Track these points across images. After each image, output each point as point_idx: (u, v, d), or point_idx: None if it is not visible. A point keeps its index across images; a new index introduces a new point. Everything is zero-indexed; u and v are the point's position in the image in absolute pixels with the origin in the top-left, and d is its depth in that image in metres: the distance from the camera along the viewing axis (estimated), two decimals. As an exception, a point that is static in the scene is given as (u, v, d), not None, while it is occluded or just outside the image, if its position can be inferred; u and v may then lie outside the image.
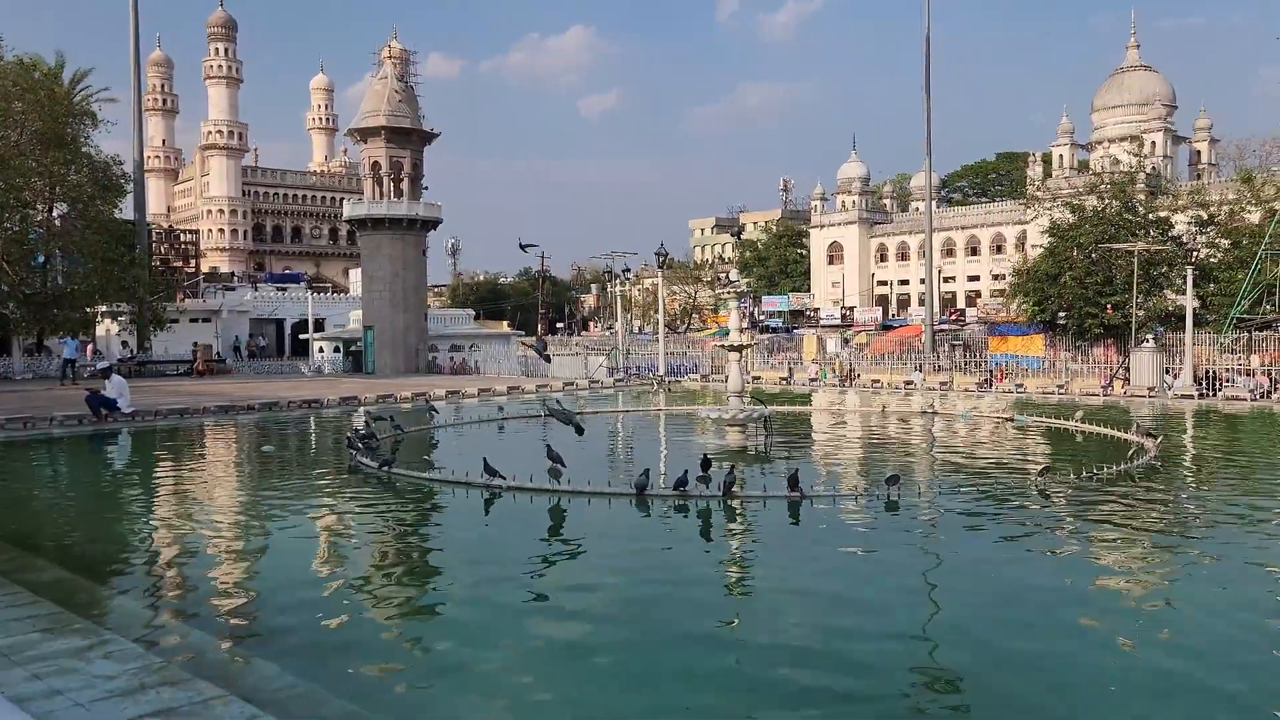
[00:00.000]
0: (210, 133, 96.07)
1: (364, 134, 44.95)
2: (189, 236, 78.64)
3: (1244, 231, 47.17)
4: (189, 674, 6.04)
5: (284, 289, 62.98)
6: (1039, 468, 14.61)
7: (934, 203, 66.08)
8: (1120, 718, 6.19)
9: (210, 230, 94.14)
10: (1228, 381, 30.33)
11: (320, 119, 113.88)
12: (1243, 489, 14.68)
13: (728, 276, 23.39)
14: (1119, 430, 19.93)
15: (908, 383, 35.55)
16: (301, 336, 54.16)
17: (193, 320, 53.68)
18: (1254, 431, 23.09)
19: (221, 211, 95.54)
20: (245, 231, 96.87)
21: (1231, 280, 43.56)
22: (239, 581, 9.64)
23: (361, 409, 27.02)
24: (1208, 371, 31.29)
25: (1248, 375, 30.99)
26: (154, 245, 59.21)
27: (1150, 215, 49.54)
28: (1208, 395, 28.96)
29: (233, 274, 78.70)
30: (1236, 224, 49.09)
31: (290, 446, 21.72)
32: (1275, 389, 28.61)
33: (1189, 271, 34.55)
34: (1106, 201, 50.01)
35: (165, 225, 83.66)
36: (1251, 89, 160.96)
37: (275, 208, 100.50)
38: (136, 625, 7.60)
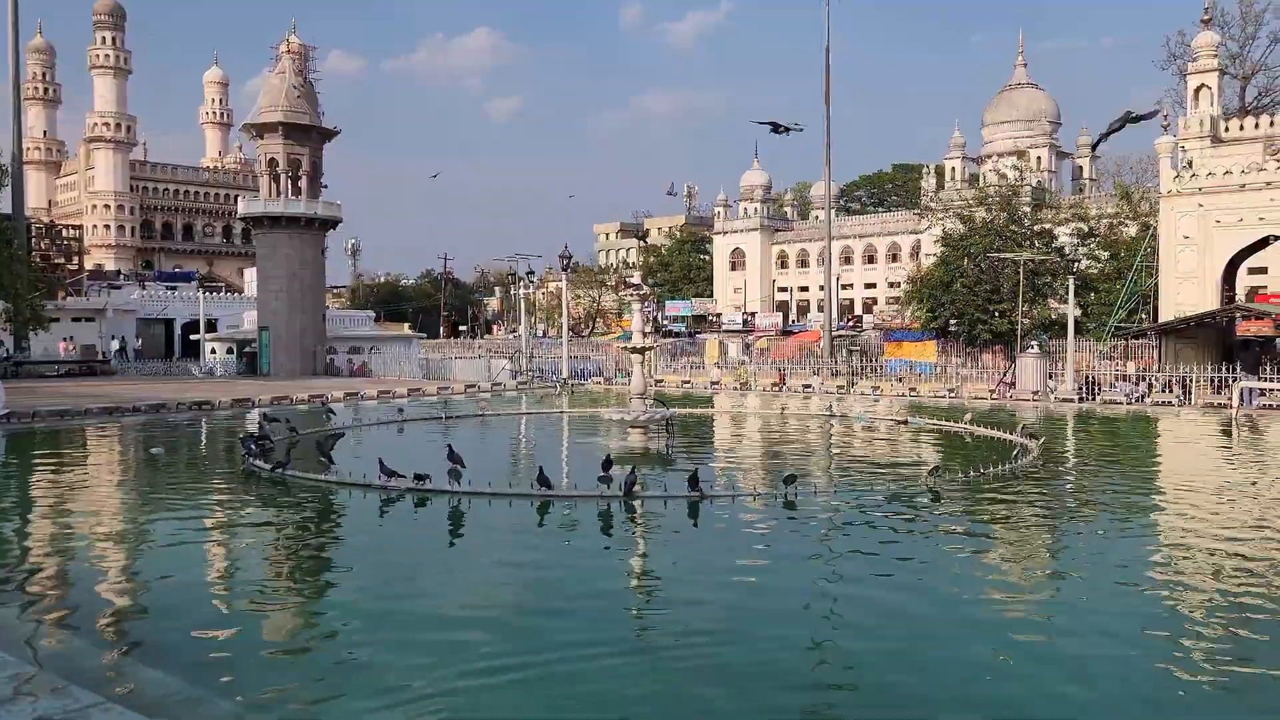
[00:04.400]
0: (96, 124, 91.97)
1: (260, 130, 43.73)
2: (71, 232, 75.27)
3: (1122, 244, 49.52)
4: (65, 681, 5.81)
5: (174, 288, 60.68)
6: (930, 467, 15.10)
7: (833, 211, 67.57)
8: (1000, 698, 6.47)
9: (95, 226, 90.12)
10: (1109, 386, 31.82)
11: (214, 113, 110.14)
12: (1112, 483, 15.43)
13: (631, 280, 23.53)
14: (1004, 432, 20.72)
15: (806, 386, 36.29)
16: (193, 337, 52.32)
17: (75, 319, 51.32)
18: (1126, 432, 24.28)
19: (107, 207, 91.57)
20: (133, 228, 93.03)
21: (1110, 290, 45.64)
22: (123, 588, 9.31)
23: (256, 410, 26.31)
24: (1088, 377, 32.78)
25: (1125, 380, 32.55)
26: (33, 241, 56.51)
27: (1035, 227, 51.57)
28: (1087, 399, 30.33)
29: (119, 272, 75.33)
30: (1115, 237, 51.50)
31: (180, 449, 21.01)
32: (1150, 393, 30.10)
33: (1071, 282, 36.14)
34: (994, 213, 51.88)
35: (46, 220, 79.89)
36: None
37: (165, 204, 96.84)
38: (11, 633, 7.29)
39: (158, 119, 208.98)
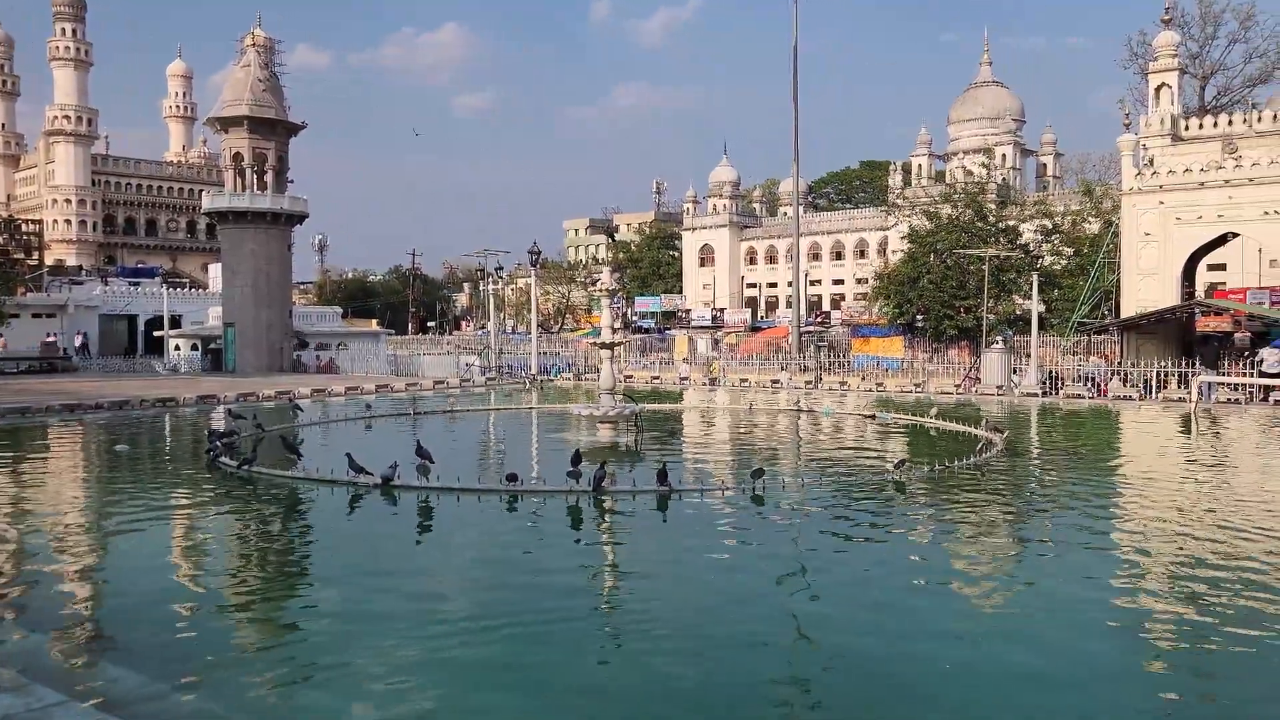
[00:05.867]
0: (56, 117, 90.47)
1: (225, 123, 43.23)
2: (31, 227, 74.08)
3: (1084, 240, 50.18)
4: (26, 679, 5.76)
5: (137, 284, 59.77)
6: (895, 461, 15.26)
7: (801, 208, 67.92)
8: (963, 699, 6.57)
9: (56, 221, 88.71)
10: (1072, 381, 32.25)
11: (178, 107, 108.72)
12: (1074, 475, 15.68)
13: (600, 276, 23.52)
14: (969, 426, 20.97)
15: (774, 382, 36.49)
16: (156, 334, 51.62)
17: (35, 316, 50.49)
18: (1088, 426, 24.62)
19: (68, 201, 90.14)
20: (95, 223, 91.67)
21: (1073, 286, 46.25)
22: (87, 584, 9.21)
23: (221, 406, 26.08)
24: (1051, 372, 33.21)
25: (1095, 376, 32.97)
26: (-9, 235, 55.51)
27: (1000, 224, 52.15)
28: (1051, 394, 30.73)
29: (80, 268, 74.21)
30: (1078, 233, 52.17)
31: (145, 446, 20.77)
32: (1111, 385, 30.54)
33: (1035, 278, 36.60)
34: (960, 210, 52.38)
35: (5, 214, 78.49)
36: (1090, 107, 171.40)
37: (128, 198, 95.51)
38: (-30, 631, 7.20)
39: (120, 112, 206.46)
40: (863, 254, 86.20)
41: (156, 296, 54.31)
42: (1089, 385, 30.98)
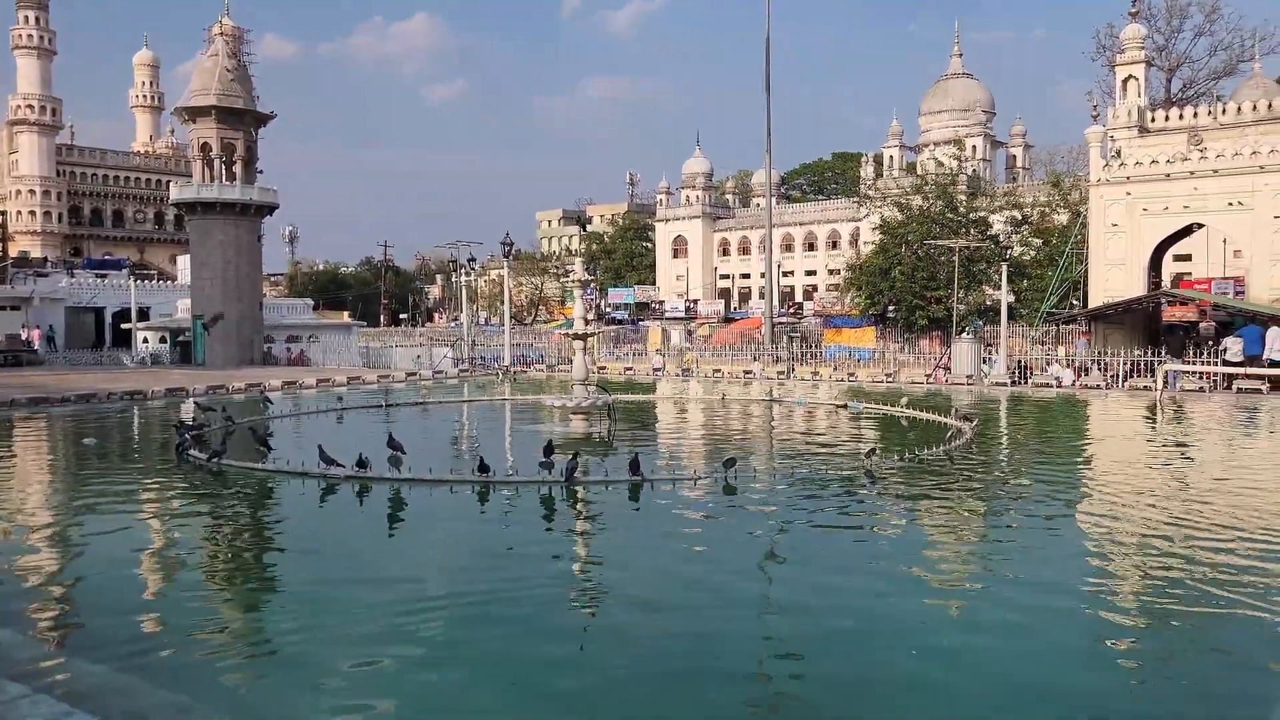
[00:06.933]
0: (19, 107, 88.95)
1: (193, 113, 42.73)
2: (-6, 218, 72.93)
3: (1053, 231, 50.69)
4: (-7, 673, 5.71)
5: (104, 275, 58.96)
6: (866, 450, 15.37)
7: (774, 199, 68.08)
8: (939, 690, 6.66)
9: (19, 212, 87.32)
10: (1040, 370, 32.62)
11: (144, 96, 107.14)
12: (1041, 462, 15.88)
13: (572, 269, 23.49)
14: (940, 415, 21.15)
15: (747, 372, 36.62)
16: (124, 326, 51.00)
17: (-1, 308, 49.77)
18: (1056, 415, 24.94)
19: (32, 192, 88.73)
20: (60, 214, 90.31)
21: (1042, 277, 46.72)
22: (53, 577, 9.13)
23: (190, 399, 25.84)
24: (1020, 361, 33.55)
25: (1057, 364, 33.34)
26: (-47, 227, 54.61)
27: (970, 215, 52.53)
28: (1020, 383, 31.05)
29: (45, 259, 73.10)
30: (1047, 224, 52.70)
31: (113, 439, 20.54)
32: (1080, 377, 30.90)
33: (1004, 268, 36.91)
34: (931, 201, 52.71)
35: (-34, 206, 77.23)
36: (1059, 99, 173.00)
37: (94, 189, 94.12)
38: (-67, 625, 7.11)
39: (85, 102, 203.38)
40: (835, 245, 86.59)
41: (124, 288, 53.59)
42: (1069, 373, 31.25)
